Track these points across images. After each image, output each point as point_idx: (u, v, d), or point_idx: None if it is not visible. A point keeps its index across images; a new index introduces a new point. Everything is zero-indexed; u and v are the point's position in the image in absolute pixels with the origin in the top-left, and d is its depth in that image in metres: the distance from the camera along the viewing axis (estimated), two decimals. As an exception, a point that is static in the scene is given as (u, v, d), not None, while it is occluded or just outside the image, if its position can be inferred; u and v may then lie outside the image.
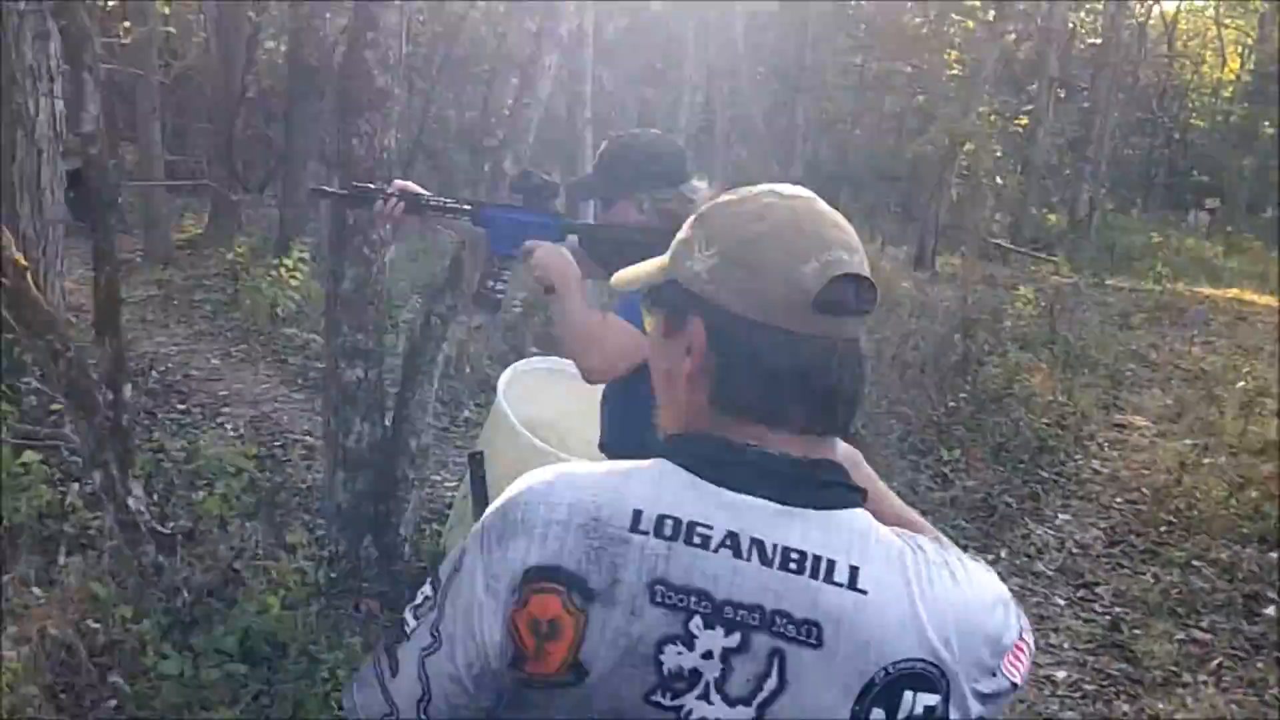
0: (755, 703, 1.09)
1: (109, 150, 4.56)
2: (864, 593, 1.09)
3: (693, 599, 1.09)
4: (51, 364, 3.54)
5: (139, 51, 12.13)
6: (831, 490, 1.16)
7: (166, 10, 13.91)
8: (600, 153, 3.03)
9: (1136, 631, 5.17)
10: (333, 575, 4.40)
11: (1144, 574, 5.88)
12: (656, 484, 1.14)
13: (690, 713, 1.10)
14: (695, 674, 1.10)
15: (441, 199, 2.97)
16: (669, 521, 1.11)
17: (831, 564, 1.09)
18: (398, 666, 1.21)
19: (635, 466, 1.18)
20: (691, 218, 1.24)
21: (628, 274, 1.35)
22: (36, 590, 4.32)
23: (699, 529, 1.10)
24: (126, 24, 12.10)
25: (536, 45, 4.22)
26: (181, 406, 7.47)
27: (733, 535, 1.10)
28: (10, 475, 4.94)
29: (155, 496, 5.31)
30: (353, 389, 4.28)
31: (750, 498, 1.12)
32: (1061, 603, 5.54)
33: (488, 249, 2.95)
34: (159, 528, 4.97)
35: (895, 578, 1.11)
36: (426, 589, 1.23)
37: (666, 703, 1.10)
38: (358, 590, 4.30)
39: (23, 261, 3.53)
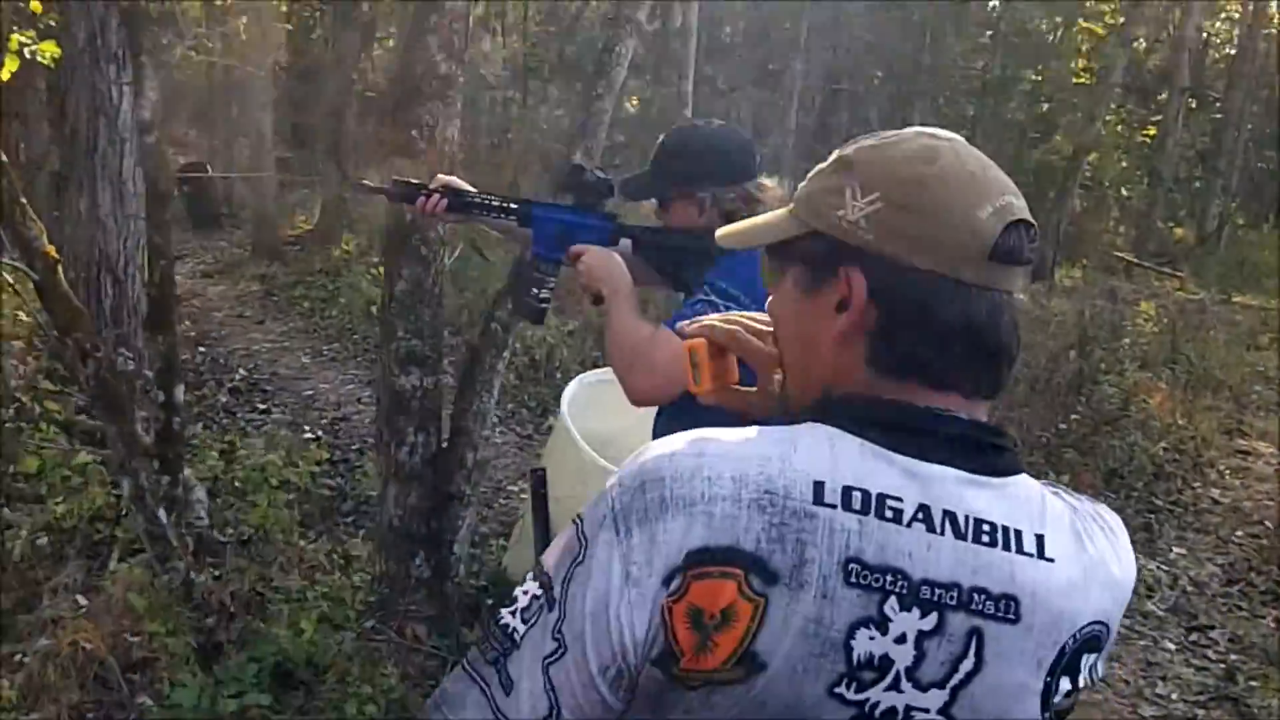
0: (949, 686, 1.04)
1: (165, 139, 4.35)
2: (1051, 561, 1.06)
3: (888, 578, 1.01)
4: (80, 364, 3.33)
5: (253, 46, 12.16)
6: (1006, 455, 1.10)
7: (285, 7, 13.99)
8: (657, 146, 2.70)
9: (1253, 683, 4.71)
10: (375, 597, 4.14)
11: (1263, 618, 5.38)
12: (830, 450, 1.05)
13: (876, 705, 1.03)
14: (885, 661, 1.02)
15: (488, 196, 2.74)
16: (857, 494, 1.02)
17: (1019, 534, 1.06)
18: (511, 682, 1.06)
19: (790, 433, 1.07)
20: (826, 165, 1.15)
21: (739, 230, 1.26)
22: (80, 599, 4.15)
23: (890, 502, 1.02)
24: (244, 20, 12.15)
25: (613, 31, 3.91)
26: (263, 406, 7.35)
27: (924, 508, 1.03)
28: (62, 477, 4.80)
29: (219, 501, 5.14)
30: (407, 397, 4.01)
31: (936, 466, 1.05)
32: (1171, 647, 5.05)
33: (531, 252, 2.68)
34: (219, 536, 4.81)
35: (1070, 540, 1.08)
36: (531, 587, 1.10)
37: (851, 695, 1.02)
38: (403, 613, 4.03)
39: (54, 254, 3.32)
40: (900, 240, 1.07)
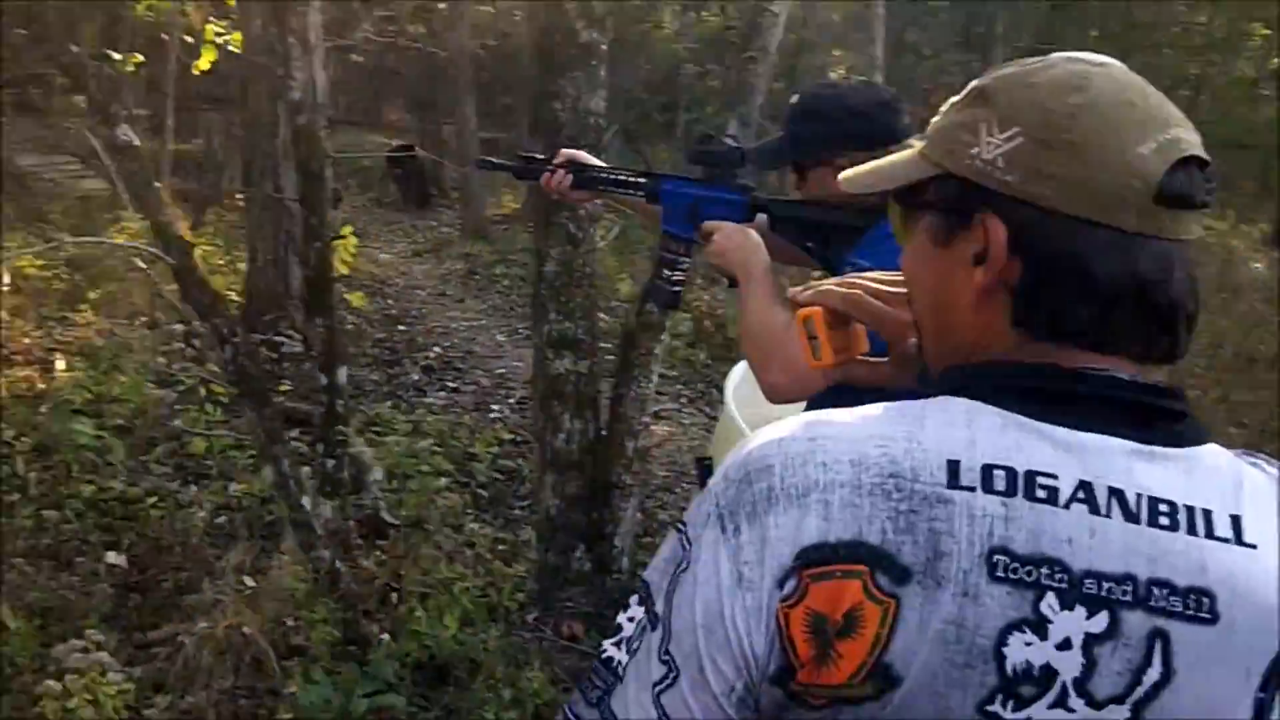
0: (1130, 701, 0.87)
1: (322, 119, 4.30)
2: (1253, 546, 0.89)
3: (1044, 571, 0.86)
4: (218, 348, 3.27)
5: (453, 29, 12.30)
6: (1186, 422, 0.93)
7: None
8: (790, 108, 2.41)
9: None
10: (534, 590, 3.99)
11: None
12: (966, 425, 0.90)
13: None
14: (1048, 672, 0.86)
15: (614, 170, 2.52)
16: (999, 472, 0.87)
17: (1208, 514, 0.89)
18: None
19: (918, 408, 0.93)
20: (960, 98, 1.01)
21: (863, 173, 1.11)
22: (248, 580, 4.15)
23: (1040, 480, 0.87)
24: (442, 4, 12.29)
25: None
26: (453, 384, 7.34)
27: (1085, 485, 0.87)
28: (229, 459, 4.85)
29: (394, 483, 5.11)
30: (561, 382, 3.84)
31: (1096, 436, 0.89)
32: None
33: (661, 230, 2.46)
34: (389, 519, 4.76)
35: (1274, 519, 0.91)
36: (634, 610, 0.97)
37: (1009, 714, 0.86)
38: (561, 609, 3.86)
39: (189, 237, 3.27)
40: (1045, 182, 0.91)
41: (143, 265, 4.10)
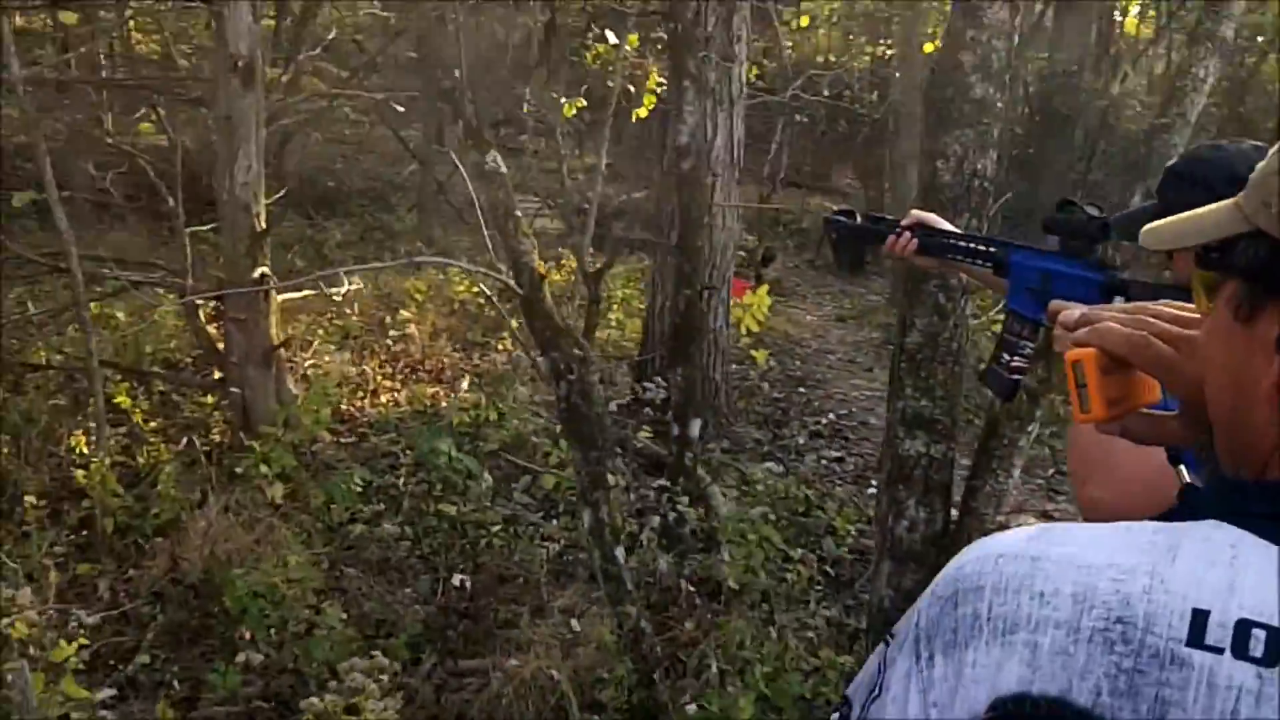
0: None
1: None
2: None
3: None
4: (554, 383, 3.23)
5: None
6: None
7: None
8: (1165, 172, 2.05)
9: None
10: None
11: None
12: (1229, 564, 0.72)
13: None
14: None
15: (963, 237, 2.28)
16: (1259, 632, 0.69)
17: None
18: None
19: (1173, 534, 0.76)
20: None
21: (1169, 224, 0.93)
22: (575, 623, 4.11)
23: None
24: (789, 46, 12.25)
25: (1190, 48, 3.15)
26: (836, 454, 7.10)
27: None
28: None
29: (746, 545, 4.95)
30: (910, 465, 3.51)
31: None
32: None
33: (1006, 307, 2.17)
34: (730, 582, 4.59)
35: None
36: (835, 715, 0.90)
37: None
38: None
39: (542, 271, 3.26)
40: None
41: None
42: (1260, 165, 0.82)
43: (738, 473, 5.91)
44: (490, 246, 3.81)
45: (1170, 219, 0.93)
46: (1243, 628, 0.70)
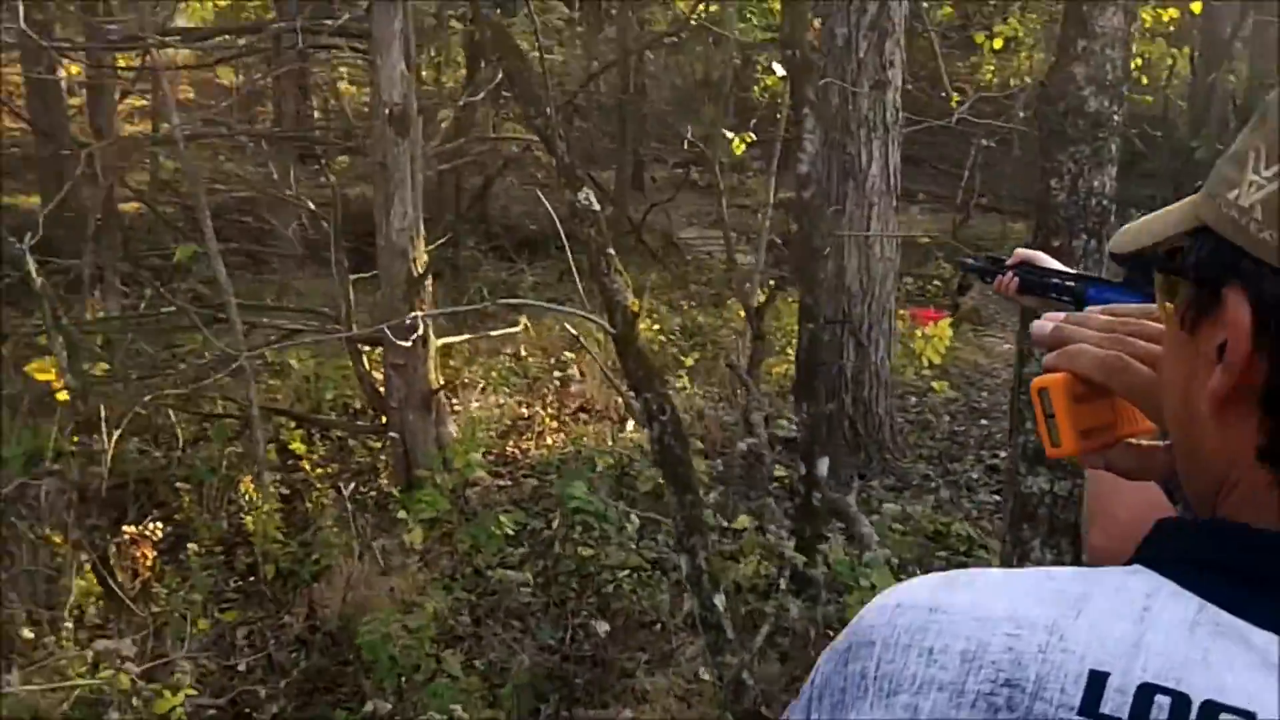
0: None
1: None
2: None
3: None
4: (647, 423, 3.17)
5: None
6: None
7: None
8: None
9: None
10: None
11: None
12: (1136, 618, 0.63)
13: None
14: None
15: (1054, 274, 2.15)
16: (1162, 699, 0.59)
17: None
18: None
19: (1086, 582, 0.66)
20: (1257, 116, 0.69)
21: (1135, 225, 0.81)
22: (704, 672, 4.03)
23: (1226, 717, 0.58)
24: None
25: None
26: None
27: None
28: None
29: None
30: (1034, 503, 3.31)
31: None
32: None
33: None
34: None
35: None
36: None
37: None
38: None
39: (635, 308, 3.22)
40: None
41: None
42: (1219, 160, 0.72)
43: (899, 510, 5.72)
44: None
45: (1141, 219, 0.81)
46: (1144, 694, 0.60)
